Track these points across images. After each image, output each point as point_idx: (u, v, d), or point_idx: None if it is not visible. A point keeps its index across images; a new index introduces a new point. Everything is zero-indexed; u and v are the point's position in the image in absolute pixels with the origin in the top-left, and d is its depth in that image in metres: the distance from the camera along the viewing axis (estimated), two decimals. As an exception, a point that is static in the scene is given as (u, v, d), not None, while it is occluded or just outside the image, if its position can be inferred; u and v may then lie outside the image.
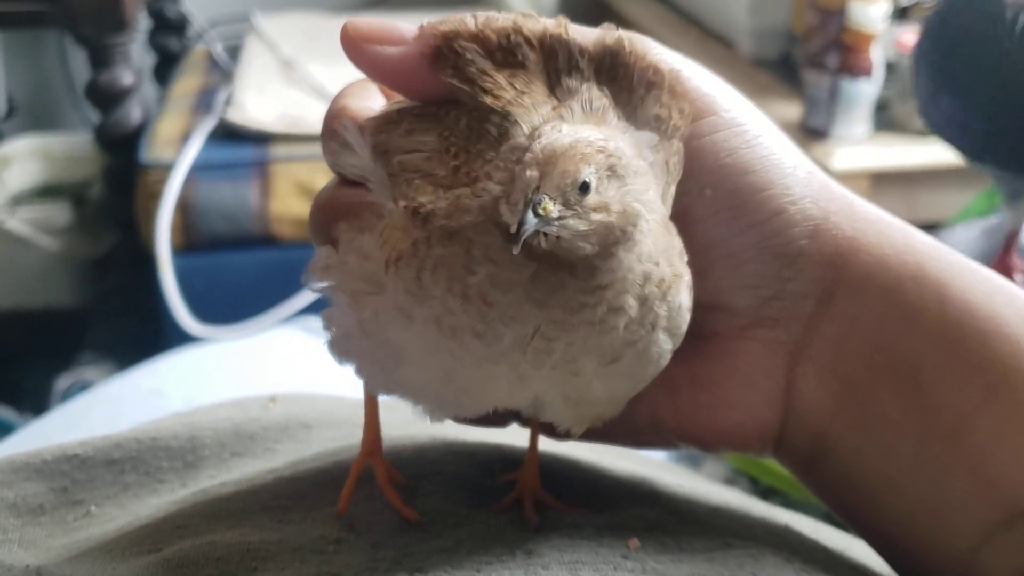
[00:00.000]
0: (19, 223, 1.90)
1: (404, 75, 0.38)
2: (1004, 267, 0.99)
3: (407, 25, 0.38)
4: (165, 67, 2.18)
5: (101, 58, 1.75)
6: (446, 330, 0.34)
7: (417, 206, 0.35)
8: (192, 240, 1.59)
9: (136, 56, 1.86)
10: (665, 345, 0.37)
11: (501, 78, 0.36)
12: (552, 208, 0.32)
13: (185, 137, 1.66)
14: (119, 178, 1.76)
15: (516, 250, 0.31)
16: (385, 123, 0.38)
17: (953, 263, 0.40)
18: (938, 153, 1.30)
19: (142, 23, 2.09)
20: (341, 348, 0.39)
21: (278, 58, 1.89)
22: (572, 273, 0.33)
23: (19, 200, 1.94)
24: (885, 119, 1.54)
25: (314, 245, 0.41)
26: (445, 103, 0.37)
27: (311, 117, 1.64)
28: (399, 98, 0.40)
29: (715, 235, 0.39)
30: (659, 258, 0.35)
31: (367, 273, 0.37)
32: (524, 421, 0.42)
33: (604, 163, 0.33)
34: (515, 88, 0.36)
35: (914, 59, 0.97)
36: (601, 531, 0.40)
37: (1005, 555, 0.39)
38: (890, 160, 1.49)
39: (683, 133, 0.38)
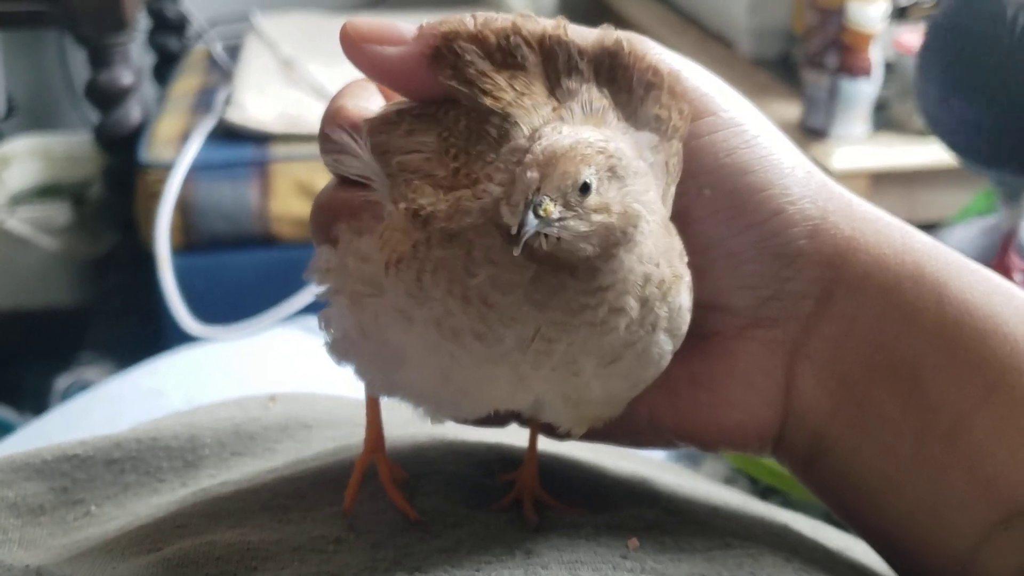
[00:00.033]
0: (19, 223, 1.90)
1: (403, 75, 0.38)
2: (1003, 266, 0.99)
3: (406, 25, 0.38)
4: (165, 67, 2.18)
5: (101, 58, 1.75)
6: (447, 332, 0.34)
7: (417, 208, 0.35)
8: (192, 240, 1.59)
9: (136, 56, 1.86)
10: (665, 346, 0.37)
11: (501, 79, 0.36)
12: (553, 209, 0.32)
13: (185, 137, 1.66)
14: (119, 178, 1.76)
15: (517, 251, 0.31)
16: (384, 123, 0.38)
17: (951, 262, 0.41)
18: (937, 153, 1.30)
19: (142, 23, 2.09)
20: (340, 350, 0.39)
21: (278, 58, 1.89)
22: (573, 274, 0.33)
23: (19, 200, 1.94)
24: (884, 119, 1.54)
25: (314, 244, 0.41)
26: (444, 103, 0.37)
27: (311, 117, 1.64)
28: (398, 98, 0.40)
29: (714, 235, 0.39)
30: (659, 259, 0.35)
31: (366, 275, 0.36)
32: (523, 421, 0.42)
33: (604, 164, 0.33)
34: (515, 89, 0.36)
35: (920, 62, 0.97)
36: (600, 531, 0.40)
37: (1004, 554, 0.39)
38: (889, 160, 1.49)
39: (683, 134, 0.38)
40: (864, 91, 1.47)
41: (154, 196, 1.57)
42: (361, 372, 0.40)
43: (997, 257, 1.00)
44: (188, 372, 0.84)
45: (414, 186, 0.36)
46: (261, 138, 1.65)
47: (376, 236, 0.36)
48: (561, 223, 0.32)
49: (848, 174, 1.41)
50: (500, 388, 0.36)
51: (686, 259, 0.37)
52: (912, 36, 1.52)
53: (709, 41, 1.91)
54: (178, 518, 0.42)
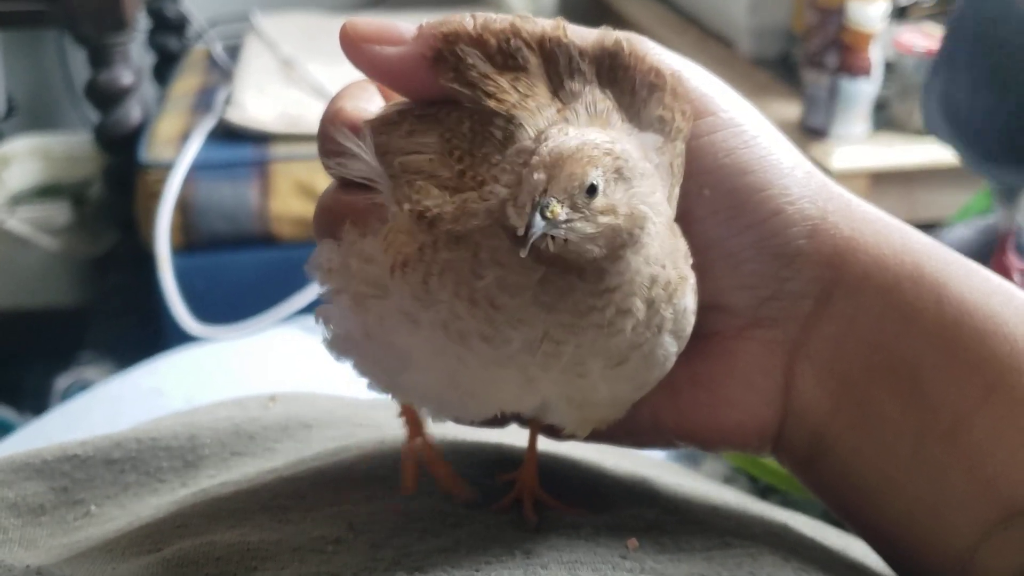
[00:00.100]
0: (19, 223, 1.90)
1: (403, 75, 0.38)
2: (1001, 266, 0.99)
3: (406, 25, 0.38)
4: (165, 67, 2.18)
5: (101, 58, 1.75)
6: (453, 334, 0.34)
7: (423, 210, 0.35)
8: (192, 240, 1.59)
9: (136, 56, 1.86)
10: (670, 348, 0.37)
11: (504, 82, 0.36)
12: (560, 211, 0.31)
13: (185, 137, 1.66)
14: (119, 178, 1.76)
15: (524, 253, 0.31)
16: (385, 124, 0.38)
17: (951, 263, 0.41)
18: (937, 152, 1.30)
19: (142, 23, 2.09)
20: (340, 346, 0.39)
21: (278, 58, 1.89)
22: (580, 276, 0.33)
23: (19, 200, 1.94)
24: (884, 118, 1.54)
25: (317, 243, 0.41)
26: (445, 103, 0.37)
27: (311, 117, 1.64)
28: (398, 98, 0.40)
29: (713, 235, 0.39)
30: (665, 261, 0.35)
31: (371, 277, 0.36)
32: (523, 421, 0.42)
33: (611, 166, 0.33)
34: (518, 92, 0.36)
35: (941, 62, 0.96)
36: (599, 531, 0.40)
37: (1003, 554, 0.39)
38: (889, 159, 1.49)
39: (686, 135, 0.38)
40: (864, 91, 1.47)
41: (154, 196, 1.57)
42: (362, 372, 0.39)
43: (996, 257, 1.00)
44: (188, 372, 0.84)
45: (418, 187, 0.35)
46: (261, 138, 1.65)
47: (380, 238, 0.36)
48: (568, 225, 0.32)
49: (848, 174, 1.41)
50: (507, 390, 0.36)
51: (691, 261, 0.37)
52: (912, 36, 1.52)
53: (709, 41, 1.91)
54: (178, 518, 0.42)
